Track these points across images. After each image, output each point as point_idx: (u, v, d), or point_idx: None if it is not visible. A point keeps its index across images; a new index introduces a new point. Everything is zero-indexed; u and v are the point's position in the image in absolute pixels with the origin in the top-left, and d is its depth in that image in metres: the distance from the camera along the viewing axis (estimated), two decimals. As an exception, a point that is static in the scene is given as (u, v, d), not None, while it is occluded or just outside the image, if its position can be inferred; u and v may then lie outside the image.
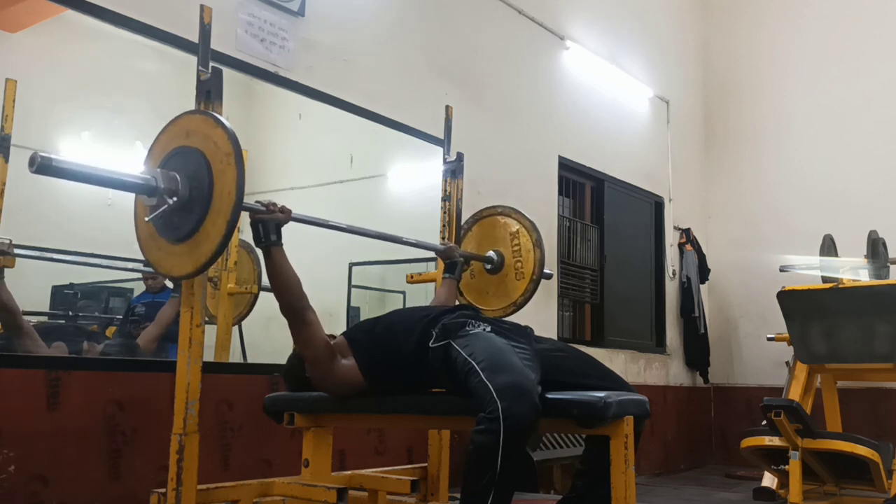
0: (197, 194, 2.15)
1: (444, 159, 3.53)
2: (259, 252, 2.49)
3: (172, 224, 2.19)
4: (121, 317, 4.20)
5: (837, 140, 6.84)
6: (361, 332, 2.60)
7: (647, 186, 6.69)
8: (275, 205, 2.40)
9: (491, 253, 3.50)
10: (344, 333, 2.62)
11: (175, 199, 2.15)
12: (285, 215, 2.41)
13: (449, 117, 3.56)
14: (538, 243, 3.42)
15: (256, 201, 2.38)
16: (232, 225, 2.09)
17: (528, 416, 2.05)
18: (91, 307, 4.27)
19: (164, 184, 2.16)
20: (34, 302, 3.82)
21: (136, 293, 4.27)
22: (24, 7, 3.51)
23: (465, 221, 3.60)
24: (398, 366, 2.45)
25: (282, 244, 2.40)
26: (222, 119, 2.20)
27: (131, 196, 2.34)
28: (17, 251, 3.03)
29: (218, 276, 3.94)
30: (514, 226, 3.48)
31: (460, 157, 3.51)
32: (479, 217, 3.62)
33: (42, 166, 1.91)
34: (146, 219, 2.20)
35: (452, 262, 3.19)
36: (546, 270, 3.45)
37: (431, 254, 3.80)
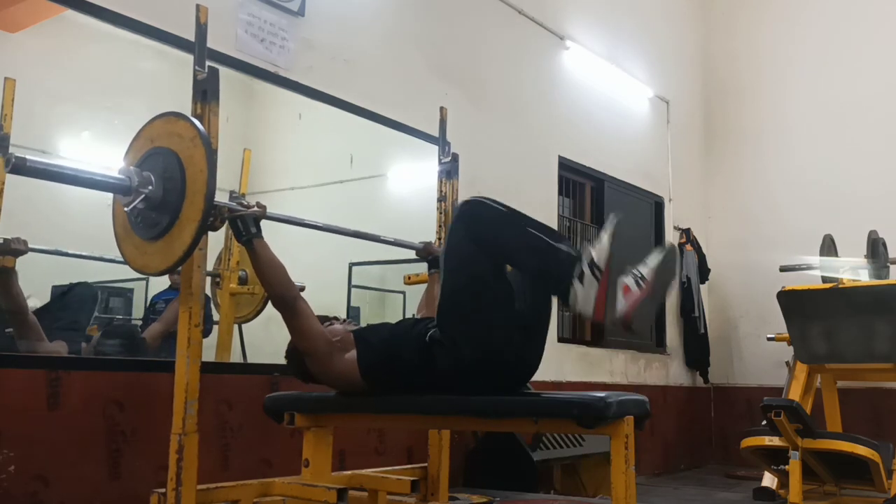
0: (171, 186, 2.21)
1: (440, 160, 3.53)
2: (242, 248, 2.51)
3: (150, 221, 2.25)
4: (119, 316, 4.20)
5: (837, 140, 6.84)
6: (369, 332, 2.61)
7: (647, 186, 6.69)
8: (249, 203, 2.44)
9: None
10: (353, 331, 2.62)
11: (150, 188, 2.20)
12: (262, 210, 2.45)
13: (443, 118, 3.55)
14: None
15: (232, 198, 2.43)
16: (209, 200, 2.12)
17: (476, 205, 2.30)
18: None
19: (139, 180, 2.20)
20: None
21: (136, 293, 4.26)
22: (24, 7, 3.52)
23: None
24: (398, 370, 2.45)
25: (262, 236, 2.42)
26: (182, 112, 2.26)
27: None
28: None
29: (220, 275, 3.93)
30: None
31: (455, 157, 3.50)
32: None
33: (16, 167, 1.95)
34: (126, 209, 2.25)
35: (434, 258, 3.23)
36: None
37: (432, 253, 3.77)
